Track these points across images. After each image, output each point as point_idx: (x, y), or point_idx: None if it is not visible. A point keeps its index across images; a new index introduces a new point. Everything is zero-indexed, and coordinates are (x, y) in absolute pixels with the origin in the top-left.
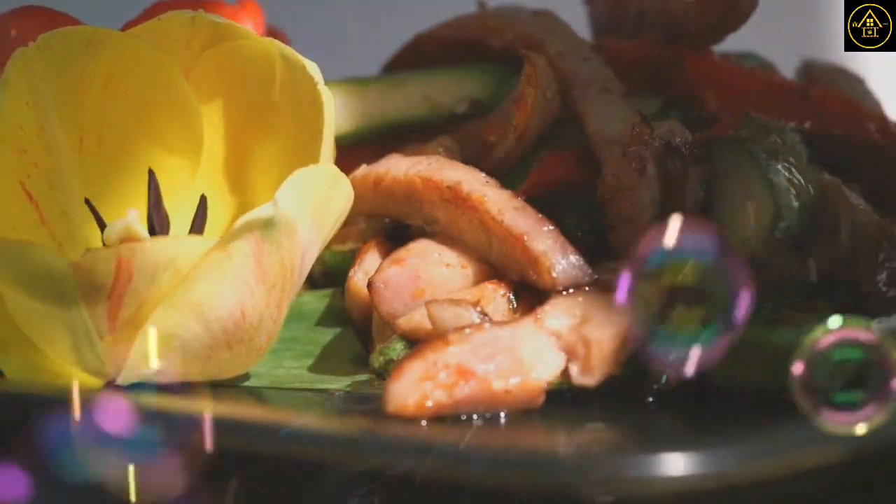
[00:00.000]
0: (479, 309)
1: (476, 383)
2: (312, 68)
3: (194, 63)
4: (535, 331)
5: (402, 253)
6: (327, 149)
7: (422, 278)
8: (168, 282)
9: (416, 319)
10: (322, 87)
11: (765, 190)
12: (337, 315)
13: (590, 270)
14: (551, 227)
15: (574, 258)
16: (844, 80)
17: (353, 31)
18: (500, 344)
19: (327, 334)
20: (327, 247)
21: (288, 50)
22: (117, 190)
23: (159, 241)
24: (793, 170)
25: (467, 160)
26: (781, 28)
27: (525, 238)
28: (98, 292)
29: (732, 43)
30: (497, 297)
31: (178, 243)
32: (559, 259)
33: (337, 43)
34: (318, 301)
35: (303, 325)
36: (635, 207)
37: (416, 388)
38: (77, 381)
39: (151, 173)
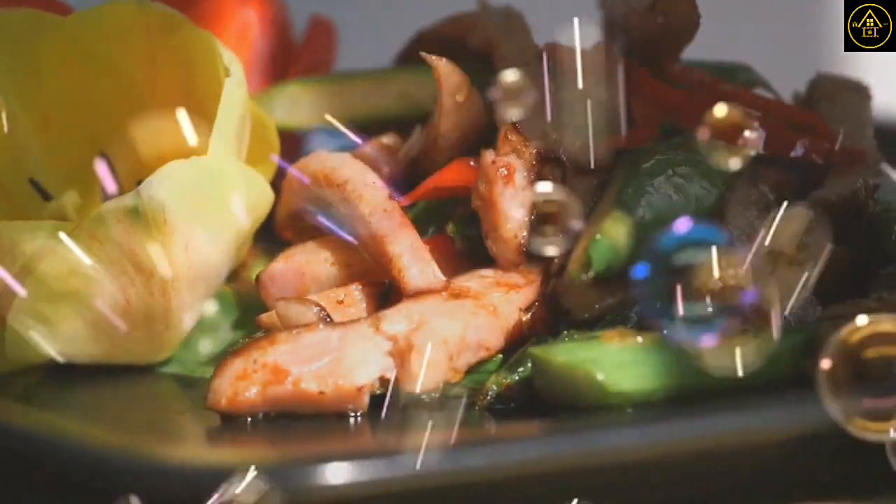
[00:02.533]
0: (318, 309)
1: (290, 384)
2: (231, 61)
3: (157, 50)
4: (369, 334)
5: (293, 249)
6: (223, 143)
7: (306, 275)
8: (27, 266)
9: (276, 316)
10: (229, 81)
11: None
12: None
13: (441, 277)
14: (411, 232)
15: (426, 264)
16: (847, 96)
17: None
18: (326, 345)
19: None
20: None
21: (218, 43)
22: (85, 171)
23: (8, 224)
24: (682, 184)
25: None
26: (781, 29)
27: (385, 240)
28: None
29: (733, 48)
30: (363, 298)
31: (25, 228)
32: (411, 263)
33: (385, 33)
34: None
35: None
36: (500, 216)
37: (231, 384)
38: None
39: (104, 157)
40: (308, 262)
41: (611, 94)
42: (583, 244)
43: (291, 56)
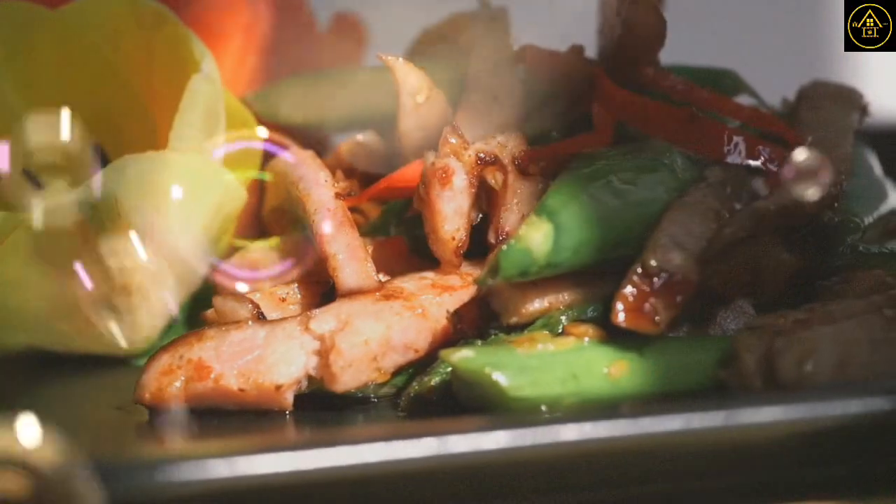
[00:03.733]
0: (251, 306)
1: (212, 380)
2: (203, 56)
3: (148, 44)
4: (296, 333)
5: (252, 245)
6: (184, 138)
7: (260, 272)
8: None
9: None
10: (195, 77)
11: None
12: None
13: (375, 277)
14: (350, 232)
15: (361, 264)
16: (831, 104)
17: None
18: (252, 343)
19: None
20: None
21: (192, 39)
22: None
23: None
24: (625, 189)
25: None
26: (781, 29)
27: (324, 238)
28: None
29: (733, 48)
30: (306, 296)
31: None
32: (346, 262)
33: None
34: None
35: None
36: (438, 217)
37: (156, 379)
38: None
39: (96, 149)
40: (263, 259)
41: (567, 97)
42: (497, 249)
43: (314, 51)
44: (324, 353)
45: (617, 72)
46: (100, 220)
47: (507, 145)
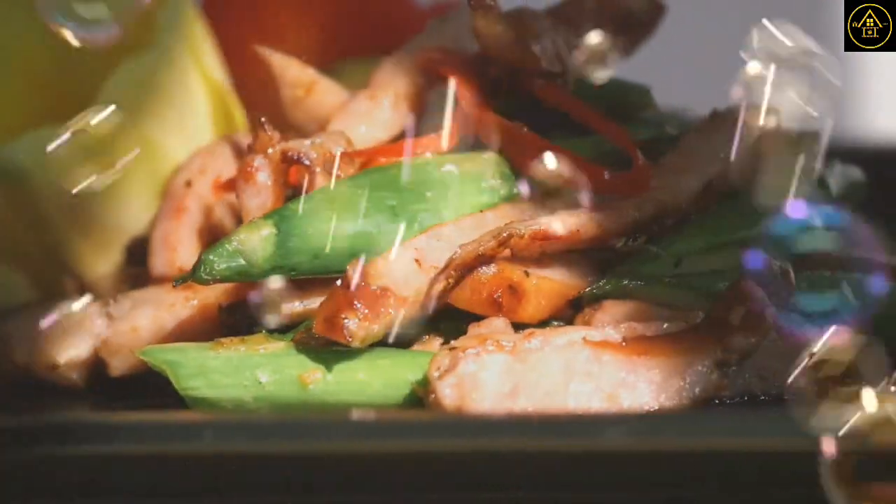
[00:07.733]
0: (77, 283)
1: (10, 353)
2: (157, 33)
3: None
4: (94, 315)
5: None
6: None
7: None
8: None
9: None
10: (141, 51)
11: None
12: None
13: (177, 267)
14: (173, 221)
15: (169, 253)
16: (714, 130)
17: None
18: (52, 320)
19: None
20: None
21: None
22: None
23: None
24: (394, 205)
25: None
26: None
27: (153, 223)
28: None
29: (732, 48)
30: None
31: None
32: (158, 249)
33: None
34: None
35: None
36: (243, 212)
37: None
38: None
39: None
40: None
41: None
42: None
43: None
44: None
45: (512, 80)
46: (12, 188)
47: (324, 145)
